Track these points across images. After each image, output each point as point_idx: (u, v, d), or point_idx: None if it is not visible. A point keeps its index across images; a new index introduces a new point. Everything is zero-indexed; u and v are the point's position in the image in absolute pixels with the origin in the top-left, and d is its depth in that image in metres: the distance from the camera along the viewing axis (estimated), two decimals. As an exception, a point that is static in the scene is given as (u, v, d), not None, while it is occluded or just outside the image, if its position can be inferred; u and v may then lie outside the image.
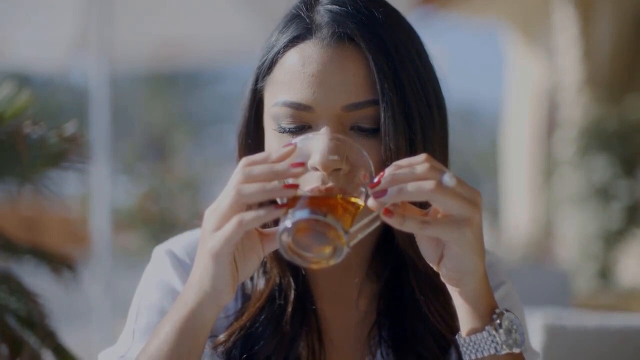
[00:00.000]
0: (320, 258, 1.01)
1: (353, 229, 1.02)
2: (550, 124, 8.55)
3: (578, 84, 7.00)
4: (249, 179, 1.02)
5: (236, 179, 1.02)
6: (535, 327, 1.96)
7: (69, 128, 1.44)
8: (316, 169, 1.08)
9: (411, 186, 0.99)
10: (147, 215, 8.87)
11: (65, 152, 1.44)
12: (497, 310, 1.07)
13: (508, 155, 10.03)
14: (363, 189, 1.03)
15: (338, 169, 1.07)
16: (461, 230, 1.01)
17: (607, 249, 6.26)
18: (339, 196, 1.02)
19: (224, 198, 1.03)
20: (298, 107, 1.13)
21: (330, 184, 1.07)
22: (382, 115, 1.11)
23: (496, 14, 9.68)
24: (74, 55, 5.49)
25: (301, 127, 1.14)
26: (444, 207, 1.01)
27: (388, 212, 1.01)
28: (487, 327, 1.06)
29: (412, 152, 1.11)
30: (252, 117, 1.22)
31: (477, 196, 1.02)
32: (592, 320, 2.04)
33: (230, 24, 5.23)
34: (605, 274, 6.24)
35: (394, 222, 1.01)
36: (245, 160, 1.04)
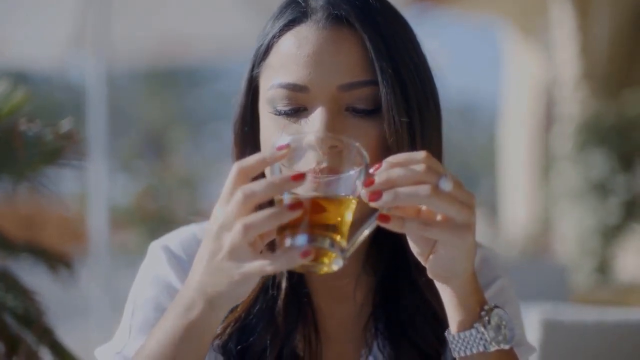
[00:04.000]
0: (320, 267, 1.00)
1: (350, 244, 1.01)
2: (548, 120, 8.56)
3: (576, 79, 7.01)
4: (252, 201, 0.96)
5: (238, 201, 0.96)
6: (533, 322, 1.97)
7: (65, 125, 1.44)
8: (312, 148, 1.08)
9: (406, 190, 0.97)
10: (145, 213, 8.88)
11: (62, 150, 1.44)
12: (486, 307, 1.06)
13: (506, 151, 10.04)
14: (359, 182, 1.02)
15: (334, 147, 1.07)
16: (464, 236, 1.00)
17: (605, 244, 6.27)
18: (338, 198, 1.00)
19: (233, 233, 0.96)
20: (294, 88, 1.14)
21: (325, 165, 1.07)
22: (383, 90, 1.12)
23: (494, 9, 9.67)
24: (71, 53, 5.49)
25: (297, 109, 1.14)
26: (441, 211, 0.99)
27: (384, 217, 0.99)
28: (475, 324, 1.06)
29: (411, 135, 1.13)
30: (249, 105, 1.22)
31: (472, 199, 1.01)
32: (590, 315, 2.04)
33: (229, 21, 5.23)
34: (603, 269, 6.25)
35: (392, 227, 0.99)
36: (239, 167, 0.99)
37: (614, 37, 7.03)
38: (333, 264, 0.98)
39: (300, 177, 0.95)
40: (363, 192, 0.99)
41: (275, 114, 1.15)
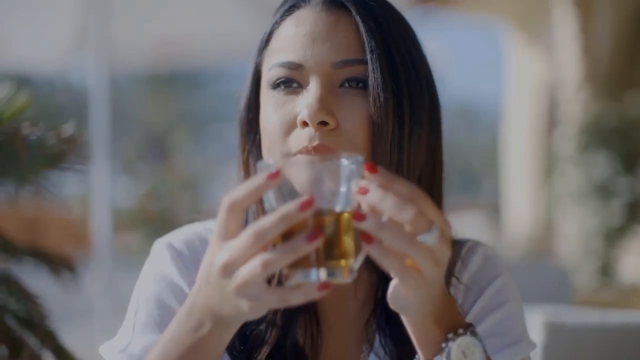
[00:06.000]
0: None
1: (357, 260, 0.98)
2: (551, 121, 8.55)
3: (578, 80, 7.00)
4: (265, 240, 0.93)
5: (249, 242, 0.92)
6: (536, 324, 1.96)
7: (68, 129, 1.45)
8: (304, 124, 1.14)
9: (388, 232, 0.93)
10: (147, 215, 8.87)
11: (64, 153, 1.44)
12: (450, 335, 1.03)
13: (508, 152, 10.04)
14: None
15: (325, 123, 1.13)
16: (424, 288, 0.97)
17: (608, 245, 6.26)
18: (339, 215, 0.96)
19: (249, 269, 0.92)
20: (290, 66, 1.18)
21: (317, 142, 1.12)
22: (370, 67, 1.16)
23: (496, 10, 9.68)
24: (73, 56, 5.49)
25: (293, 87, 1.19)
26: (413, 259, 0.95)
27: (367, 238, 0.94)
28: (435, 357, 1.03)
29: (399, 115, 1.16)
30: (253, 93, 1.26)
31: (446, 258, 0.97)
32: (592, 317, 2.04)
33: (230, 22, 5.24)
34: (606, 270, 6.24)
35: (373, 251, 0.94)
36: (231, 203, 0.95)
37: (616, 38, 7.02)
38: (344, 281, 0.96)
39: (307, 204, 0.91)
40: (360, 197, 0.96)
41: (273, 92, 1.20)
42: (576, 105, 6.88)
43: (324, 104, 1.15)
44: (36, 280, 1.51)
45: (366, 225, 0.92)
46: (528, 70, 9.49)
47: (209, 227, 1.32)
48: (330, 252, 0.94)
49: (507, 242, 8.67)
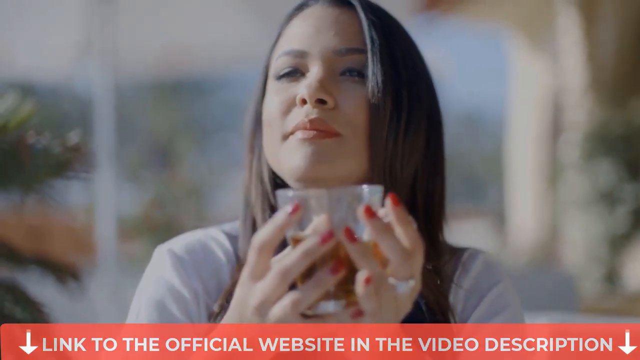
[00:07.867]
0: None
1: None
2: (555, 128, 8.55)
3: (582, 87, 6.99)
4: (289, 279, 0.95)
5: (276, 283, 0.94)
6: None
7: (73, 137, 1.45)
8: (303, 102, 1.18)
9: (369, 264, 0.92)
10: (152, 223, 8.86)
11: (70, 162, 1.45)
12: None
13: (513, 159, 10.03)
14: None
15: (324, 102, 1.17)
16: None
17: (613, 252, 6.25)
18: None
19: (281, 308, 0.94)
20: (295, 54, 1.23)
21: (314, 116, 1.16)
22: (370, 54, 1.21)
23: (500, 18, 9.68)
24: (77, 64, 5.50)
25: (296, 74, 1.23)
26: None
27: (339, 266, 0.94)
28: None
29: (398, 106, 1.20)
30: (262, 92, 1.29)
31: (404, 313, 0.97)
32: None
33: (235, 31, 5.24)
34: (611, 277, 6.22)
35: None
36: (260, 244, 0.95)
37: (620, 45, 7.02)
38: None
39: (328, 238, 0.92)
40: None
41: (277, 82, 1.24)
42: (581, 112, 6.88)
43: (324, 84, 1.19)
44: (41, 288, 1.51)
45: (352, 249, 0.93)
46: (532, 77, 9.48)
47: (210, 234, 1.33)
48: (351, 279, 0.93)
49: (512, 249, 8.66)
